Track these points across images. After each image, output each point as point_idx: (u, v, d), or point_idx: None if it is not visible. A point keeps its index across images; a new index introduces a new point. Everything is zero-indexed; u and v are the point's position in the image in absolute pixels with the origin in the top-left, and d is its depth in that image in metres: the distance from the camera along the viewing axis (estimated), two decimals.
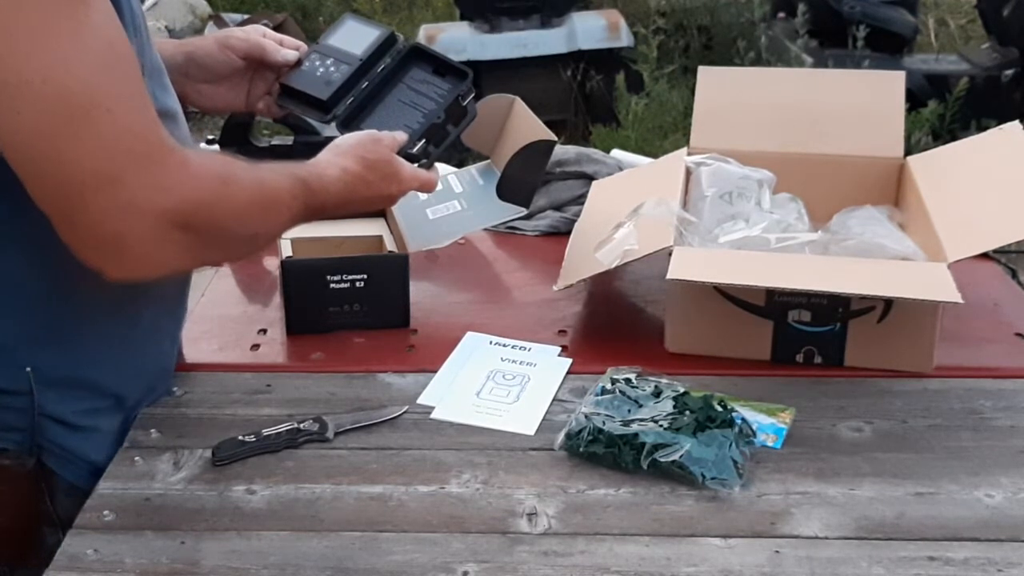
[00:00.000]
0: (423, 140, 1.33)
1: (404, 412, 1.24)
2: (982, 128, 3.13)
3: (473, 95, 1.39)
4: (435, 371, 1.33)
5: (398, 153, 1.27)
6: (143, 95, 0.98)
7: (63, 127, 0.92)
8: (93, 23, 0.93)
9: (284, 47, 1.36)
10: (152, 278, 1.03)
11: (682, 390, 1.20)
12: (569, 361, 1.35)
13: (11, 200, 0.98)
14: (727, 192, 1.49)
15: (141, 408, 1.23)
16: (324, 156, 1.22)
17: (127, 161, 0.94)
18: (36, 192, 0.95)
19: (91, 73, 0.93)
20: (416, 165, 1.30)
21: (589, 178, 1.74)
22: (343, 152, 1.22)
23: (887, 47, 4.63)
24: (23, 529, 1.13)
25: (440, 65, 1.40)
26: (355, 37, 1.40)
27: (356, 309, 1.41)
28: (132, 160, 0.95)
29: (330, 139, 1.28)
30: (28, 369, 1.09)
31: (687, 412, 1.16)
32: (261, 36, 1.36)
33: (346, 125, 1.34)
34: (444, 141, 1.36)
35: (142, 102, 0.98)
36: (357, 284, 1.40)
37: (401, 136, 1.29)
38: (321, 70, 1.36)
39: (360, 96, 1.36)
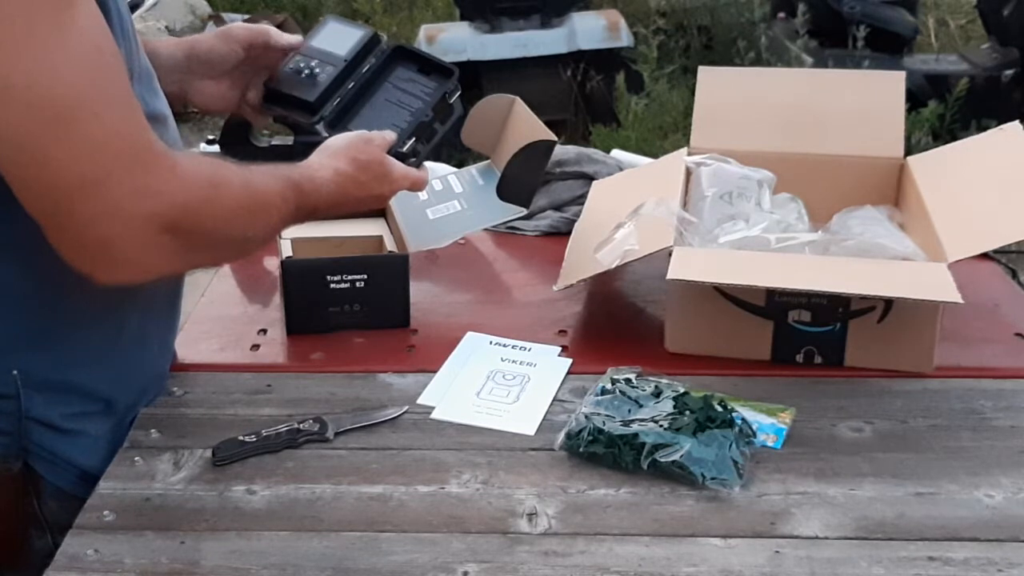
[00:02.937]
0: (412, 139, 1.33)
1: (404, 412, 1.24)
2: (982, 128, 3.13)
3: (459, 92, 1.39)
4: (435, 371, 1.32)
5: (388, 152, 1.27)
6: (130, 98, 0.98)
7: (49, 131, 0.91)
8: (79, 27, 0.93)
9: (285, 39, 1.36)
10: (141, 282, 1.03)
11: (682, 390, 1.20)
12: (569, 361, 1.35)
13: None
14: (727, 192, 1.49)
15: (131, 413, 1.22)
16: (315, 157, 1.22)
17: (114, 165, 0.94)
18: (23, 196, 0.95)
19: (78, 77, 0.92)
20: (405, 163, 1.30)
21: (589, 178, 1.74)
22: (334, 153, 1.22)
23: (887, 47, 4.63)
24: (10, 532, 1.13)
25: (425, 64, 1.40)
26: (338, 38, 1.40)
27: (356, 309, 1.41)
28: (119, 164, 0.94)
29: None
30: (15, 372, 1.09)
31: (687, 412, 1.16)
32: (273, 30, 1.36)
33: (333, 126, 1.34)
34: (432, 139, 1.37)
35: (129, 105, 0.97)
36: (357, 284, 1.40)
37: (391, 135, 1.29)
38: (306, 72, 1.36)
39: (346, 97, 1.36)
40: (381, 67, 1.39)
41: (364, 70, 1.38)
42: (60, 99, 0.92)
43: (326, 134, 1.31)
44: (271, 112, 1.40)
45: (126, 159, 0.95)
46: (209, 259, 1.22)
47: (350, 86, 1.36)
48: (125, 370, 1.20)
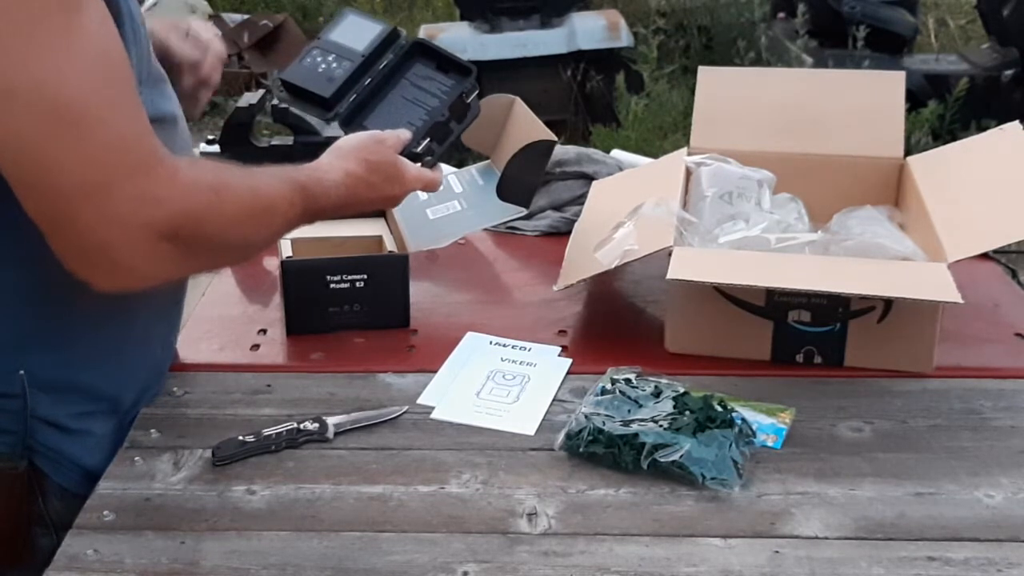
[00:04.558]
0: (427, 139, 1.32)
1: (404, 412, 1.24)
2: (982, 128, 3.14)
3: (477, 91, 1.38)
4: (435, 371, 1.32)
5: (401, 152, 1.26)
6: (136, 104, 0.97)
7: (54, 136, 0.91)
8: (87, 31, 0.92)
9: (193, 41, 1.30)
10: (140, 289, 1.02)
11: (682, 390, 1.20)
12: (569, 361, 1.35)
13: (4, 205, 0.97)
14: (727, 192, 1.49)
15: (133, 411, 1.22)
16: (326, 159, 1.21)
17: (116, 171, 0.93)
18: (25, 200, 0.95)
19: (84, 82, 0.92)
20: (419, 163, 1.29)
21: (589, 178, 1.74)
22: (345, 154, 1.21)
23: (887, 47, 4.63)
24: (15, 531, 1.13)
25: (443, 61, 1.39)
26: (356, 32, 1.38)
27: (356, 309, 1.41)
28: (122, 170, 0.94)
29: (331, 139, 1.27)
30: (21, 372, 1.09)
31: (687, 412, 1.16)
32: (179, 35, 1.30)
33: (348, 123, 1.33)
34: (448, 139, 1.35)
35: (135, 111, 0.97)
36: (357, 284, 1.40)
37: (405, 135, 1.28)
38: (323, 66, 1.35)
39: (362, 93, 1.34)
40: (399, 63, 1.37)
41: (381, 66, 1.36)
42: (66, 104, 0.91)
43: (340, 132, 1.30)
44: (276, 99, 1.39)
45: (129, 165, 0.94)
46: (211, 264, 1.22)
47: (367, 82, 1.35)
48: (129, 369, 1.20)
